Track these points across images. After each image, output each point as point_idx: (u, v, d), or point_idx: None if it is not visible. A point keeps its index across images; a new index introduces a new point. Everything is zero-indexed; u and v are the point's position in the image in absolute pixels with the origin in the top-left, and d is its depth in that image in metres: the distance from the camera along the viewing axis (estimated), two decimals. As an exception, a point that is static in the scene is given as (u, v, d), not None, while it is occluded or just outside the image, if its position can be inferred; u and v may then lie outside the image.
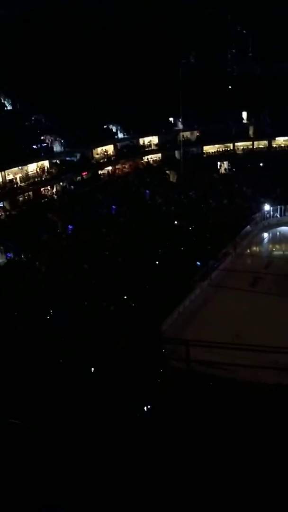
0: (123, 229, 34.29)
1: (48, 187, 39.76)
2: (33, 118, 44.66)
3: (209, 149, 49.02)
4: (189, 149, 47.36)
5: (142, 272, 27.12)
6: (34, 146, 39.93)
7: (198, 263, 29.13)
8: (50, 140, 41.37)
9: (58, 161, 40.86)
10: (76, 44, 49.93)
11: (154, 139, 47.25)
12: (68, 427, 9.23)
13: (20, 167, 38.11)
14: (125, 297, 24.51)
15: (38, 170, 39.36)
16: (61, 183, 40.27)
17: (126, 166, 45.08)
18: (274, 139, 49.11)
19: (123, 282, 25.70)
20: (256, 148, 49.42)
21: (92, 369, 13.50)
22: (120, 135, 45.76)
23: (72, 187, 40.35)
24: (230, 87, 48.26)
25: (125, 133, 45.69)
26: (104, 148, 44.41)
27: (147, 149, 47.00)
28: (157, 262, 28.84)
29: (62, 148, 41.38)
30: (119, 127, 45.67)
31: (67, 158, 41.45)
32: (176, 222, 36.04)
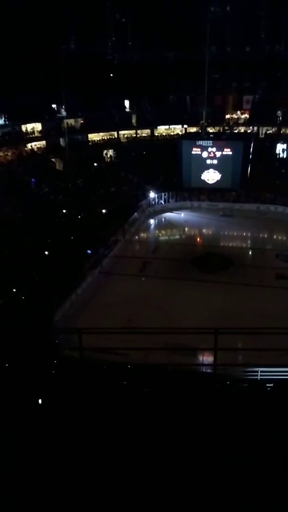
0: (8, 219, 32.94)
1: None
2: None
3: (94, 137, 49.02)
4: (74, 136, 46.86)
5: (31, 263, 26.46)
6: None
7: (89, 251, 29.27)
8: None
9: None
10: None
11: (38, 126, 45.91)
12: None
13: None
14: (14, 290, 23.75)
15: None
16: None
17: (9, 154, 43.18)
18: (156, 128, 50.69)
19: (11, 274, 24.80)
20: (139, 136, 50.58)
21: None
22: (1, 121, 43.60)
23: None
24: (112, 74, 48.52)
25: (6, 120, 43.65)
26: (-18, 135, 42.01)
27: (30, 136, 45.56)
28: (46, 253, 28.34)
29: None
30: (-2, 113, 43.43)
31: None
32: (64, 211, 35.67)
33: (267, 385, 4.89)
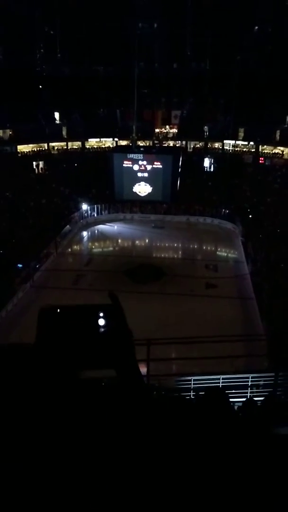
0: None
1: None
2: None
3: (23, 148, 48.09)
4: (2, 147, 45.70)
5: None
6: None
7: (19, 265, 28.52)
8: None
9: None
10: None
11: None
12: None
13: None
14: None
15: None
16: None
17: None
18: (87, 140, 50.76)
19: None
20: (70, 148, 50.36)
21: None
22: None
23: None
24: (41, 86, 48.08)
25: None
26: None
27: None
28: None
29: None
30: None
31: None
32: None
33: (200, 393, 5.10)
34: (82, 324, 1.39)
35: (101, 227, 40.65)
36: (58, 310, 1.46)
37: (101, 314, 1.38)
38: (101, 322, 1.39)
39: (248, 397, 7.34)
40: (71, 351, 1.37)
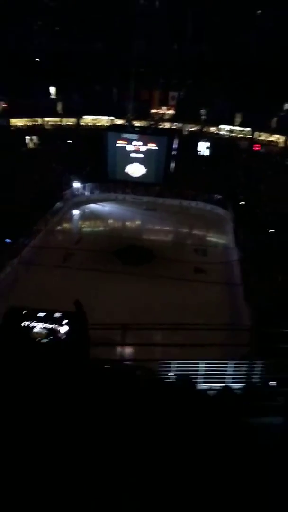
0: None
1: None
2: None
3: (17, 122, 47.29)
4: (-5, 120, 44.94)
5: None
6: None
7: (8, 240, 28.28)
8: None
9: None
10: None
11: None
12: None
13: None
14: None
15: None
16: None
17: None
18: (82, 117, 50.06)
19: None
20: (64, 124, 49.65)
21: None
22: None
23: None
24: (37, 59, 47.07)
25: None
26: None
27: None
28: None
29: None
30: None
31: None
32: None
33: (177, 379, 5.16)
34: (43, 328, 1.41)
35: (92, 206, 40.38)
36: (25, 312, 1.48)
37: (65, 321, 1.39)
38: (63, 329, 1.40)
39: (225, 384, 7.44)
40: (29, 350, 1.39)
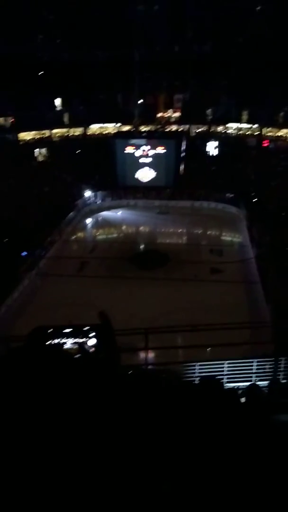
0: None
1: None
2: None
3: (25, 136, 47.86)
4: (3, 135, 45.51)
5: None
6: None
7: (24, 253, 28.58)
8: None
9: None
10: None
11: None
12: None
13: None
14: None
15: None
16: None
17: None
18: (89, 127, 50.40)
19: None
20: (71, 135, 50.06)
21: None
22: None
23: None
24: (41, 73, 47.59)
25: None
26: None
27: None
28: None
29: None
30: None
31: None
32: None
33: (202, 380, 5.13)
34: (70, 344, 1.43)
35: (105, 213, 40.56)
36: (50, 330, 1.51)
37: (92, 334, 1.40)
38: (91, 342, 1.42)
39: (252, 382, 7.37)
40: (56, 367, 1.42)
